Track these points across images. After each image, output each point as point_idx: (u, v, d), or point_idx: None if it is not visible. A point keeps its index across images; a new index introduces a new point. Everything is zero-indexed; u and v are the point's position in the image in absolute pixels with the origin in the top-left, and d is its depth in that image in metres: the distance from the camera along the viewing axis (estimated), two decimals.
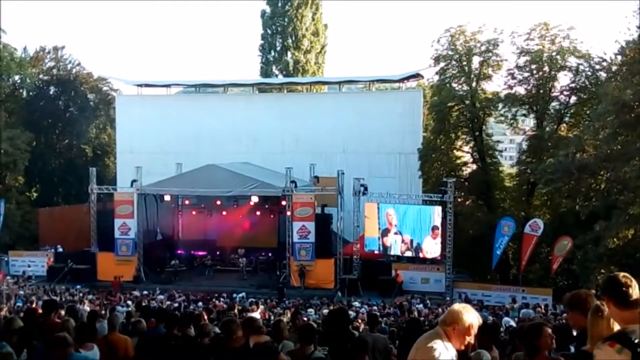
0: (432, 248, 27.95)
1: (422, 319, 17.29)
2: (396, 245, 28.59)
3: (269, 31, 46.86)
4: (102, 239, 30.55)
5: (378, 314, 15.68)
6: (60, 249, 32.81)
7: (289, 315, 15.33)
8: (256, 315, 14.13)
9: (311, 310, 19.67)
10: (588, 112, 30.79)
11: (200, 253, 31.89)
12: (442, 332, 3.53)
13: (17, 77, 42.89)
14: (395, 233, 28.51)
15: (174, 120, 38.20)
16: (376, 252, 29.03)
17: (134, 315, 10.67)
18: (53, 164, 44.92)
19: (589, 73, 30.68)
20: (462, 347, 3.54)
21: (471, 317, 3.52)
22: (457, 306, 3.62)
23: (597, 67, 30.34)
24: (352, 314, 18.48)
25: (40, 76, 45.45)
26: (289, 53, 46.83)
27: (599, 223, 23.88)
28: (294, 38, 46.39)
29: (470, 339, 3.53)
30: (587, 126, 27.80)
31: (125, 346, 6.75)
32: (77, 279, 28.83)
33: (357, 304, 22.73)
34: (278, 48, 47.07)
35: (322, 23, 47.29)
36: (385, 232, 28.67)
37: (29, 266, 31.57)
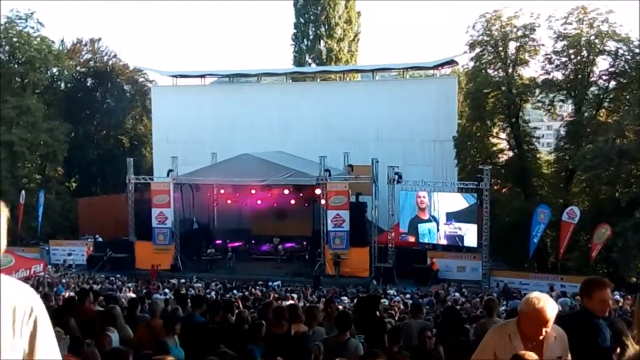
0: (468, 236, 27.82)
1: (458, 307, 17.28)
2: (435, 233, 28.50)
3: (301, 20, 46.84)
4: (140, 228, 31.13)
5: (420, 302, 15.76)
6: (100, 238, 33.54)
7: (322, 304, 15.47)
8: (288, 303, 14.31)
9: (345, 298, 19.79)
10: (628, 97, 30.21)
11: (236, 244, 32.16)
12: (517, 321, 3.48)
13: (54, 70, 43.63)
14: (430, 220, 28.45)
15: (208, 110, 38.55)
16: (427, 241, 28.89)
17: (170, 303, 10.94)
18: (91, 155, 45.79)
19: (629, 57, 30.03)
20: (540, 338, 3.37)
21: (548, 308, 3.36)
22: (533, 295, 3.45)
23: (637, 50, 29.67)
24: (386, 302, 18.60)
25: (78, 68, 46.23)
26: (322, 41, 46.76)
27: (639, 210, 23.47)
28: (326, 26, 46.29)
29: (547, 330, 3.38)
30: (627, 111, 27.30)
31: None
32: (116, 267, 29.44)
33: (392, 292, 22.78)
34: (311, 37, 47.04)
35: (355, 10, 47.07)
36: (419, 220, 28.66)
37: (69, 255, 32.35)
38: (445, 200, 28.47)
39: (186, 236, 31.10)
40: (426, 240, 28.95)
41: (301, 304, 17.41)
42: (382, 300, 16.75)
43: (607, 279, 4.37)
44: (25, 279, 17.80)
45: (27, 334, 1.78)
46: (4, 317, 1.72)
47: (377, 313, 7.91)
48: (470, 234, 27.86)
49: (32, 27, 40.79)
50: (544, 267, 30.29)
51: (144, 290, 21.20)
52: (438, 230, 28.35)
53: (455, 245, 28.63)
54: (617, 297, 17.38)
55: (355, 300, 16.41)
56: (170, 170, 30.16)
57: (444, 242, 28.63)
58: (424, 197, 28.58)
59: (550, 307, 3.35)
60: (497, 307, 10.58)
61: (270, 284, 25.18)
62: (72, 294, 15.67)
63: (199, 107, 38.70)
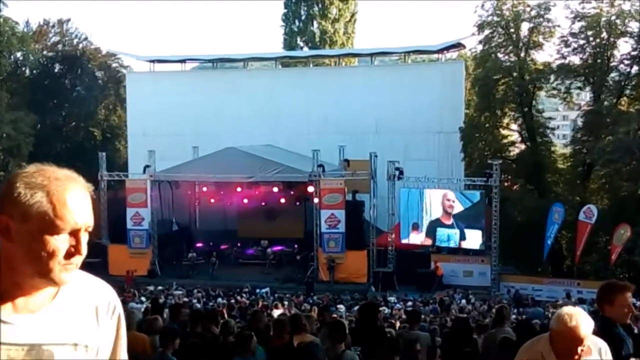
0: (473, 238, 27.92)
1: (464, 315, 17.36)
2: (457, 241, 28.50)
3: None
4: (114, 230, 30.99)
5: (421, 309, 15.81)
6: None
7: (316, 312, 15.50)
8: (278, 313, 14.35)
9: (341, 306, 19.84)
10: None
11: (220, 247, 32.13)
12: (549, 339, 3.42)
13: (19, 54, 43.43)
14: (452, 227, 28.40)
15: (189, 99, 38.43)
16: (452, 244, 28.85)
17: (149, 312, 10.94)
18: (59, 149, 45.56)
19: None
20: (576, 358, 3.26)
21: (582, 325, 3.27)
22: (565, 311, 3.37)
23: None
24: (386, 310, 18.66)
25: (44, 52, 46.08)
26: (315, 22, 46.76)
27: None
28: (320, 6, 46.27)
29: (583, 348, 3.27)
30: None
31: (143, 345, 6.94)
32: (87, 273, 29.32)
33: (392, 299, 22.84)
34: (303, 17, 47.02)
35: None
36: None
37: None
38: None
39: (165, 239, 31.06)
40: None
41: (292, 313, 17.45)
42: (381, 309, 16.84)
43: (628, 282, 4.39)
44: None
45: (112, 329, 1.85)
46: (88, 317, 1.77)
47: (377, 322, 7.95)
48: (473, 236, 27.93)
49: None
50: (559, 272, 30.41)
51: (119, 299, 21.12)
52: (464, 238, 28.08)
53: (460, 248, 28.67)
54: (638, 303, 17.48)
55: (356, 308, 16.46)
56: (147, 166, 30.06)
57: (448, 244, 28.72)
58: (452, 200, 28.23)
59: (584, 325, 3.28)
60: (510, 315, 10.66)
61: (258, 291, 25.19)
62: None
63: (179, 96, 38.54)
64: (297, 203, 31.96)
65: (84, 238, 1.67)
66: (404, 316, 16.06)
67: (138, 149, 36.27)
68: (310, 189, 28.88)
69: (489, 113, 33.37)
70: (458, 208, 28.10)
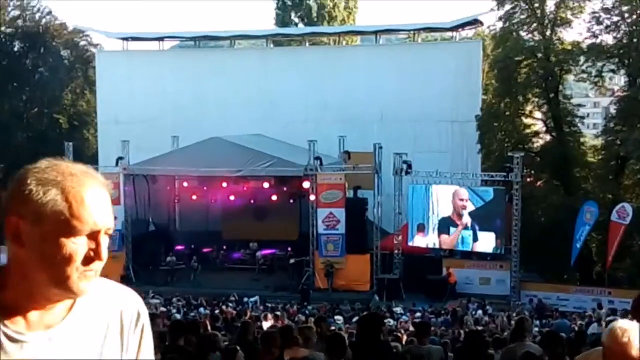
0: (486, 241, 27.96)
1: (481, 328, 17.40)
2: (470, 243, 28.55)
3: None
4: None
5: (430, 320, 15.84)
6: None
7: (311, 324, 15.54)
8: (268, 325, 14.38)
9: (340, 318, 19.88)
10: None
11: (203, 250, 32.15)
12: (602, 355, 3.47)
13: None
14: (467, 228, 28.45)
15: (168, 82, 38.41)
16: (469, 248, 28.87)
17: None
18: (20, 138, 45.44)
19: None
20: None
21: (636, 342, 3.20)
22: (618, 326, 3.31)
23: None
24: (391, 322, 18.69)
25: (2, 29, 45.91)
26: None
27: None
28: None
29: None
30: None
31: None
32: None
33: (399, 310, 22.88)
34: None
35: None
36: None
37: None
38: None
39: (140, 241, 31.08)
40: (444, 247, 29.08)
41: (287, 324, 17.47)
42: (386, 321, 16.88)
43: None
44: None
45: (135, 344, 1.82)
46: (109, 332, 1.75)
47: (381, 336, 7.96)
48: (485, 239, 27.97)
49: None
50: (589, 279, 30.46)
51: None
52: (477, 240, 28.18)
53: (475, 252, 28.72)
54: None
55: (356, 320, 16.49)
56: (120, 158, 30.14)
57: (461, 247, 28.76)
58: (465, 199, 28.18)
59: (638, 343, 3.19)
60: (532, 328, 10.69)
61: (246, 300, 25.22)
62: None
63: (156, 79, 38.55)
64: (291, 201, 31.99)
65: (105, 241, 1.64)
66: (412, 329, 16.10)
67: (109, 138, 36.32)
68: (306, 184, 28.88)
69: (510, 99, 33.37)
70: (470, 208, 28.12)
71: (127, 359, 1.79)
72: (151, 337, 1.89)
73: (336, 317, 19.66)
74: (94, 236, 1.61)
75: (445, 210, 28.51)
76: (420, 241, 29.21)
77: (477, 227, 27.96)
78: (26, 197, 1.58)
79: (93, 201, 1.60)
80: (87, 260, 1.60)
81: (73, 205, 1.57)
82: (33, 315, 1.63)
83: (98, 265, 1.63)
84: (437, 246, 29.16)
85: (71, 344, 1.66)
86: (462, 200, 28.18)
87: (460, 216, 28.24)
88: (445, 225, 28.58)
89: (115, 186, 25.86)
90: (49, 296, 1.63)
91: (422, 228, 29.07)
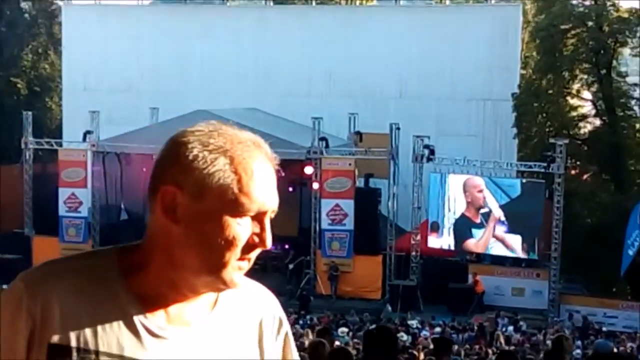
0: (515, 242, 27.85)
1: (512, 348, 17.32)
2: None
3: None
4: (41, 216, 31.01)
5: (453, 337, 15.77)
6: None
7: (311, 336, 15.49)
8: None
9: (344, 329, 19.85)
10: None
11: None
12: None
13: None
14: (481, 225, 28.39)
15: (147, 44, 38.40)
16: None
17: None
18: None
19: None
20: None
21: None
22: None
23: None
24: (405, 337, 18.63)
25: None
26: None
27: None
28: None
29: None
30: None
31: None
32: (4, 274, 29.26)
33: (415, 322, 22.83)
34: None
35: None
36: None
37: None
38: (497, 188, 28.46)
39: (110, 230, 30.89)
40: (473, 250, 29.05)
41: None
42: (399, 335, 16.82)
43: None
44: None
45: (277, 354, 1.79)
46: (250, 335, 1.72)
47: (393, 354, 7.87)
48: (512, 239, 27.85)
49: None
50: None
51: None
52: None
53: (507, 257, 28.64)
54: None
55: (362, 333, 16.41)
56: (87, 132, 30.02)
57: (494, 251, 28.67)
58: (478, 188, 28.08)
59: None
60: (572, 349, 10.59)
61: None
62: None
63: (133, 39, 38.52)
64: (290, 189, 31.86)
65: (269, 225, 1.58)
66: (430, 346, 16.05)
67: (76, 108, 36.26)
68: (309, 170, 28.89)
69: (554, 76, 33.32)
70: (491, 203, 27.89)
71: None
72: (294, 346, 1.85)
73: (340, 330, 19.66)
74: (259, 218, 1.56)
75: (461, 206, 28.46)
76: (434, 242, 29.20)
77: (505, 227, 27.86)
78: (189, 164, 1.52)
79: (263, 176, 1.57)
80: (248, 247, 1.56)
81: (243, 179, 1.52)
82: (174, 308, 1.60)
83: (254, 255, 1.59)
84: (452, 248, 29.06)
85: (211, 346, 1.63)
86: (479, 191, 27.94)
87: (478, 210, 28.09)
88: (466, 227, 28.52)
89: (82, 165, 25.89)
90: (195, 286, 1.59)
91: (435, 227, 28.96)
